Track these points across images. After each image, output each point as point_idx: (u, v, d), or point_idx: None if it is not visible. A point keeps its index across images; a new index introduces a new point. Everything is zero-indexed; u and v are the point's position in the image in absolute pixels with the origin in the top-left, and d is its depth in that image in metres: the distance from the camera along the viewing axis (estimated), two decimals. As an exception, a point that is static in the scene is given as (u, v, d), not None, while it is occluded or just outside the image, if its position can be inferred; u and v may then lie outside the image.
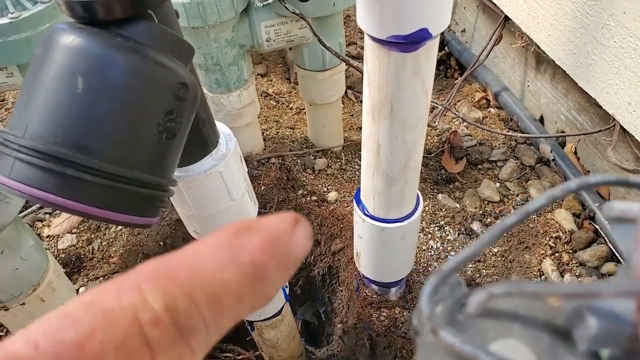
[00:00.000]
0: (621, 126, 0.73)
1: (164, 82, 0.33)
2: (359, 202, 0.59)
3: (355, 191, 0.62)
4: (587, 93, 0.79)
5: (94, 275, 0.77)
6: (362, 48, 1.21)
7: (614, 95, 0.72)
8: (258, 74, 1.13)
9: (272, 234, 0.16)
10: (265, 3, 0.66)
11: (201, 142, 0.45)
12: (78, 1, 0.29)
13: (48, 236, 0.84)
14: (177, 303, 0.13)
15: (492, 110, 1.03)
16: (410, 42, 0.42)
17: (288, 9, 0.67)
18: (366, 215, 0.58)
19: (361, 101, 1.08)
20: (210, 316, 0.14)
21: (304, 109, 1.02)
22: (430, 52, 0.44)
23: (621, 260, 0.74)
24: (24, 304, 0.55)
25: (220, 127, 0.48)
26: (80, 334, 0.12)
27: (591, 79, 0.76)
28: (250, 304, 0.15)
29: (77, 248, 0.81)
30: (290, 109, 1.03)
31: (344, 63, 0.82)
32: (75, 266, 0.79)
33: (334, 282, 0.80)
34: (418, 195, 0.58)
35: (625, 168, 0.69)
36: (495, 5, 0.97)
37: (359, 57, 1.18)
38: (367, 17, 0.41)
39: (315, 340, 0.87)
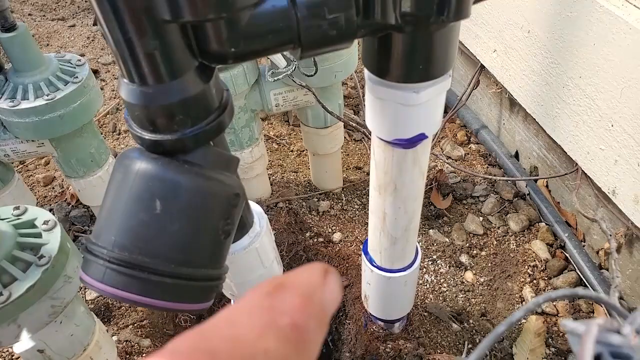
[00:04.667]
0: (583, 170, 0.85)
1: (223, 196, 0.41)
2: (366, 254, 0.69)
3: (362, 244, 0.72)
4: (554, 136, 0.91)
5: (123, 323, 0.84)
6: (352, 87, 1.30)
7: (575, 144, 0.83)
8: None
9: (306, 290, 0.15)
10: (276, 79, 0.75)
11: (241, 225, 0.54)
12: (156, 140, 0.38)
13: (76, 285, 0.91)
14: None
15: (472, 146, 1.14)
16: (410, 143, 0.52)
17: (295, 82, 0.77)
18: (374, 266, 0.68)
19: (355, 139, 1.18)
20: None
21: (304, 151, 1.11)
22: (426, 146, 0.54)
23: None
24: (75, 363, 0.63)
25: (253, 206, 0.58)
26: None
27: (556, 128, 0.87)
28: None
29: (104, 298, 0.89)
30: (292, 151, 1.12)
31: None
32: (105, 316, 0.86)
33: (341, 314, 0.90)
34: (417, 248, 0.68)
35: (587, 217, 0.81)
36: (472, 53, 1.08)
37: (349, 97, 1.28)
38: (376, 123, 0.51)
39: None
